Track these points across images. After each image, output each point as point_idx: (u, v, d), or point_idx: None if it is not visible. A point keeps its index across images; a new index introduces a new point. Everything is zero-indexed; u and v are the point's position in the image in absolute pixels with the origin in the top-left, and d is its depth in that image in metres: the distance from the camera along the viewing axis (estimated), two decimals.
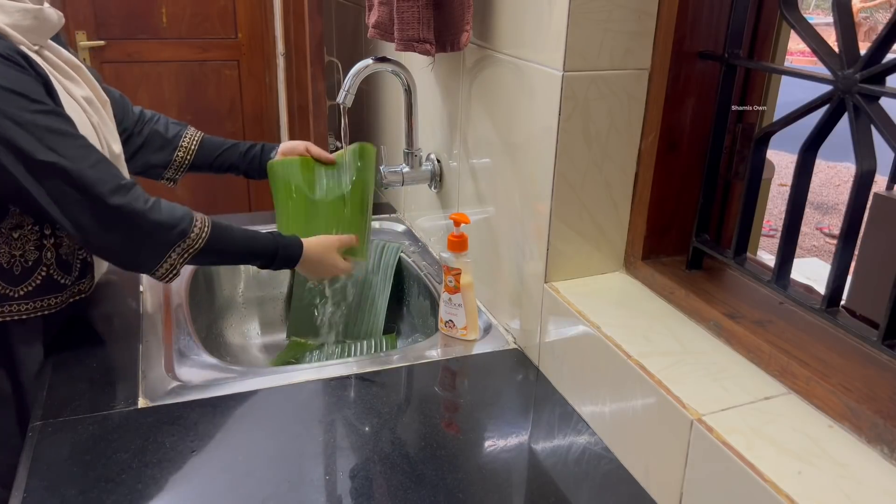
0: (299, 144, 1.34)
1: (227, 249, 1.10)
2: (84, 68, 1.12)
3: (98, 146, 1.03)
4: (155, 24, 2.80)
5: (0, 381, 1.09)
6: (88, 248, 1.02)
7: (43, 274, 1.06)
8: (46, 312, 1.08)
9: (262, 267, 1.16)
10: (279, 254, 1.14)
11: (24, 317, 1.06)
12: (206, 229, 1.06)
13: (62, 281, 1.09)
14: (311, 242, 1.19)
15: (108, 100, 1.15)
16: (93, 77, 1.13)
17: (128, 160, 1.25)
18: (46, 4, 1.04)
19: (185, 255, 1.04)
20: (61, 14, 1.08)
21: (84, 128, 1.01)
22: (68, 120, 0.97)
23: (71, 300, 1.12)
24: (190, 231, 1.04)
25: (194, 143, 1.32)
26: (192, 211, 1.06)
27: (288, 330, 1.49)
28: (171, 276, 1.05)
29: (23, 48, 0.96)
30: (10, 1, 0.96)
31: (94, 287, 1.18)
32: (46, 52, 1.03)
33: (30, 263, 1.05)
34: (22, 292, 1.05)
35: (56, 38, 1.11)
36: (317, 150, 1.34)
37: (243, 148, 1.35)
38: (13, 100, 0.91)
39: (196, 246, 1.04)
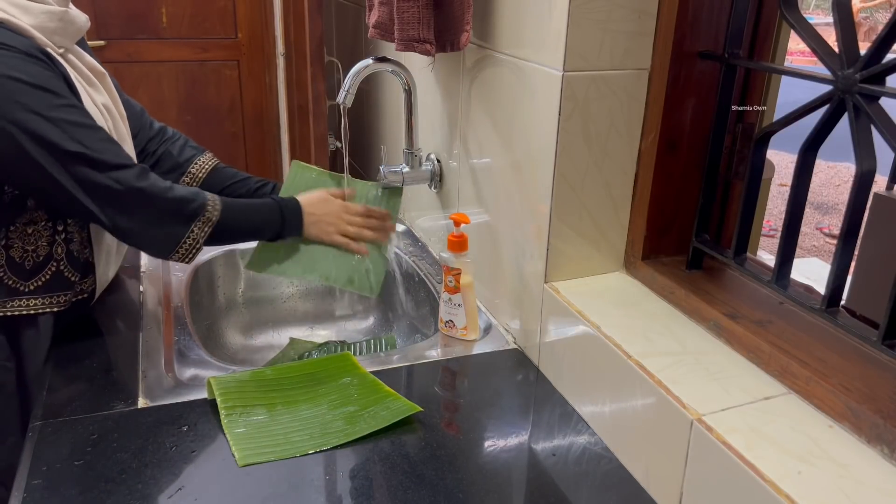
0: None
1: (238, 218, 1.12)
2: (108, 76, 1.14)
3: None
4: (155, 24, 2.80)
5: (7, 377, 1.09)
6: (115, 234, 1.05)
7: (53, 269, 1.08)
8: (56, 309, 1.09)
9: (271, 239, 1.17)
10: (286, 216, 1.15)
11: (31, 312, 1.07)
12: (216, 200, 1.10)
13: (71, 278, 1.10)
14: (304, 196, 1.20)
15: (125, 114, 1.17)
16: (114, 87, 1.15)
17: None
18: (71, 6, 1.06)
19: (205, 228, 1.07)
20: (87, 17, 1.09)
21: None
22: (88, 114, 1.01)
23: (75, 299, 1.13)
24: (206, 202, 1.08)
25: (203, 171, 1.29)
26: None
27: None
28: (192, 253, 1.08)
29: (49, 50, 0.98)
30: (35, 3, 0.98)
31: (97, 288, 1.18)
32: (71, 56, 1.05)
33: (41, 259, 1.06)
34: (32, 287, 1.06)
35: (82, 45, 1.12)
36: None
37: (254, 184, 1.31)
38: (39, 95, 0.94)
39: (213, 218, 1.08)
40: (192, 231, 1.06)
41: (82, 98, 1.01)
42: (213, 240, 1.10)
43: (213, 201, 1.09)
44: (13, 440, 1.09)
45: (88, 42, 1.19)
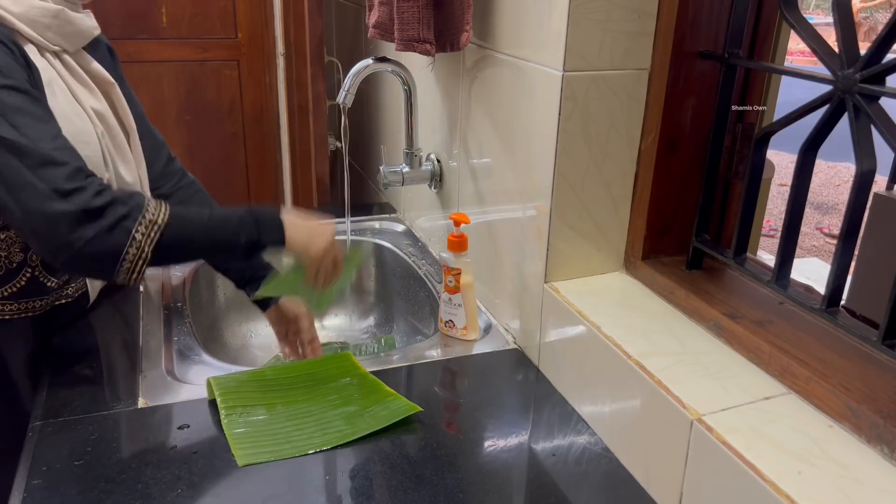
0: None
1: (196, 228, 0.93)
2: (117, 87, 1.07)
3: (101, 164, 0.99)
4: (155, 24, 2.80)
5: None
6: (32, 241, 0.89)
7: (28, 275, 1.05)
8: (31, 314, 1.08)
9: (249, 250, 0.95)
10: (261, 225, 0.95)
11: (6, 317, 1.06)
12: (163, 205, 0.91)
13: (48, 284, 1.08)
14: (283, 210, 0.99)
15: (134, 128, 1.10)
16: (126, 102, 1.09)
17: None
18: (81, 10, 1.01)
19: (151, 234, 0.87)
20: (95, 24, 1.05)
21: (85, 135, 0.97)
22: (44, 107, 0.90)
23: (56, 303, 1.11)
24: (145, 204, 0.89)
25: None
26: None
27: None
28: (138, 269, 0.88)
29: (29, 43, 0.94)
30: None
31: (90, 291, 1.17)
32: (67, 58, 1.00)
33: (14, 265, 1.04)
34: (6, 293, 1.04)
35: (98, 54, 1.08)
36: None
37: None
38: None
39: (158, 221, 0.88)
40: (135, 238, 0.86)
41: (58, 95, 0.95)
42: (166, 252, 0.90)
43: (158, 203, 0.90)
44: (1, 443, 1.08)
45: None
